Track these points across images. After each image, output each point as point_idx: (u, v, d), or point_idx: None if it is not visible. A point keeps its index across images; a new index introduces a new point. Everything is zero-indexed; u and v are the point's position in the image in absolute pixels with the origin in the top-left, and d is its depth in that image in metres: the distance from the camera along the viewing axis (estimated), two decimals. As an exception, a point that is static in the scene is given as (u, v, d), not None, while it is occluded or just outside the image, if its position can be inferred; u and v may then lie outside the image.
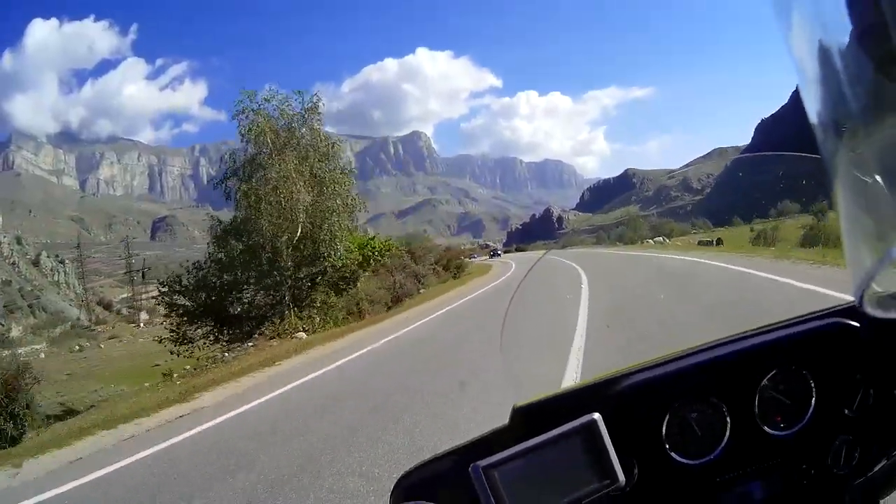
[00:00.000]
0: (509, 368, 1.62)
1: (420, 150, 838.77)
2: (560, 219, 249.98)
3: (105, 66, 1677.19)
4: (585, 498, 1.24)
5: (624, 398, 1.48)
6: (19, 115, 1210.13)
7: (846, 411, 1.51)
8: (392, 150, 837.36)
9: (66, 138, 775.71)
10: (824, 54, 0.63)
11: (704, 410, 1.48)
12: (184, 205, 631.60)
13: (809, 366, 1.52)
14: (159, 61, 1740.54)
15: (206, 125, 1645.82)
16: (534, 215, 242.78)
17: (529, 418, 1.45)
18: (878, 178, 0.63)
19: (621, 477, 1.24)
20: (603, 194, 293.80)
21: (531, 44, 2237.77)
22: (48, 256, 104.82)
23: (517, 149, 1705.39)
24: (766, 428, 1.49)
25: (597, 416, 1.27)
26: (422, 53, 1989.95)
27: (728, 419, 1.48)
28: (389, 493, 1.44)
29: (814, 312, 1.64)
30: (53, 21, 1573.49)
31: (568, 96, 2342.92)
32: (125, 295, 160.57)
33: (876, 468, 1.49)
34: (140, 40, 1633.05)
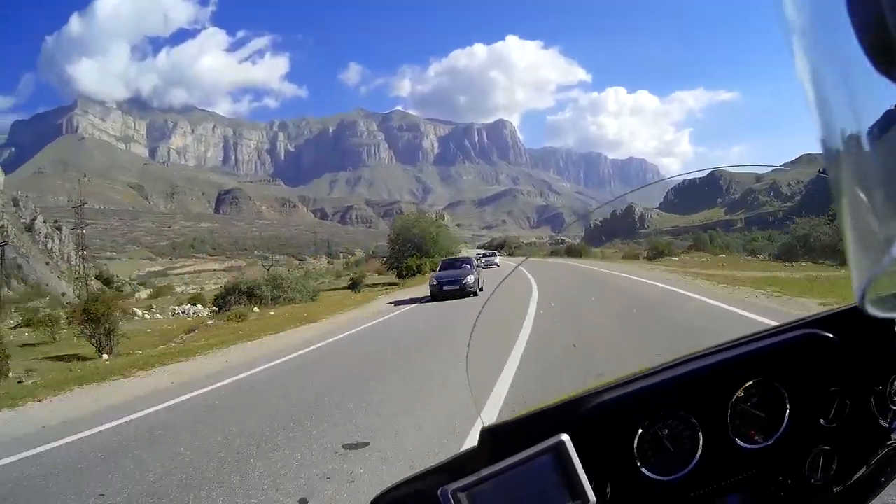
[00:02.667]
0: (476, 389, 1.62)
1: (505, 139, 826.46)
2: (643, 217, 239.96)
3: (182, 36, 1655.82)
4: None
5: (594, 417, 1.48)
6: (86, 80, 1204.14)
7: (822, 421, 1.53)
8: (476, 138, 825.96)
9: (136, 105, 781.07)
10: (825, 54, 0.65)
11: (676, 426, 1.48)
12: (258, 178, 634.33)
13: (782, 378, 1.54)
14: (240, 33, 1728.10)
15: (286, 100, 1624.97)
16: (615, 212, 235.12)
17: (498, 440, 1.45)
18: (881, 178, 0.64)
19: (592, 497, 1.25)
20: (688, 195, 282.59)
21: (621, 39, 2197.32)
22: (44, 222, 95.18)
23: (602, 145, 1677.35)
24: (739, 441, 1.50)
25: (565, 437, 1.29)
26: (511, 41, 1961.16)
27: (700, 434, 1.49)
28: None
29: (786, 324, 1.66)
30: None
31: (655, 96, 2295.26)
32: (156, 268, 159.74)
33: (855, 476, 1.51)
34: (220, 11, 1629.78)
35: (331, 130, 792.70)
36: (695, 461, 1.47)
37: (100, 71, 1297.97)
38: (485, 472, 1.24)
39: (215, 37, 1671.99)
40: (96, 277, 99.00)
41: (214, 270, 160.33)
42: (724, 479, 1.49)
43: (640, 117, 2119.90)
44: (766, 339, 1.60)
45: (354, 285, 48.08)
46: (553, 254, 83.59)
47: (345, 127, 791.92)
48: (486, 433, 1.47)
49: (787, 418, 1.52)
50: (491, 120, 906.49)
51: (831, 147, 0.65)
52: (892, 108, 0.63)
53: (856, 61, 0.58)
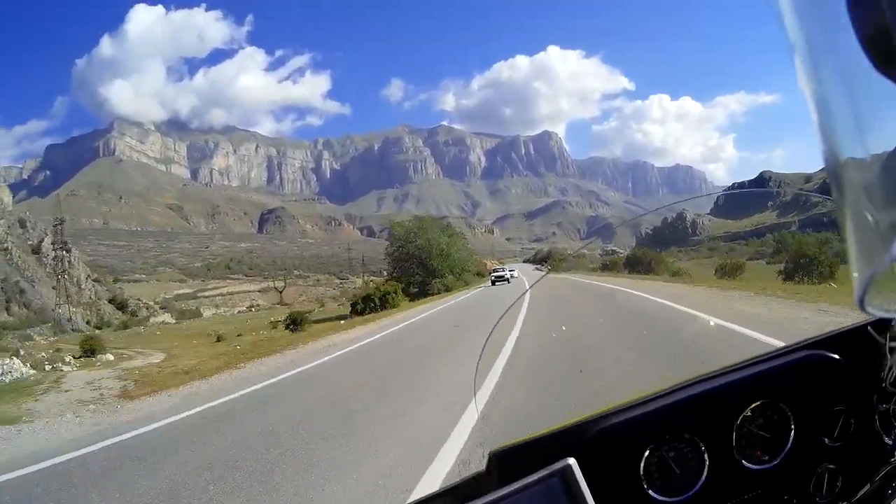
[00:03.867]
0: (484, 413, 1.66)
1: (551, 151, 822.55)
2: (694, 224, 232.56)
3: (218, 56, 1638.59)
4: None
5: (600, 441, 1.49)
6: (121, 102, 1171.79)
7: (826, 440, 1.53)
8: (522, 150, 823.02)
9: (175, 126, 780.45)
10: (825, 55, 0.65)
11: (681, 448, 1.49)
12: (303, 198, 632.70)
13: (787, 399, 1.54)
14: (279, 52, 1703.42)
15: (330, 118, 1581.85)
16: (665, 219, 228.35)
17: (505, 464, 1.46)
18: (881, 178, 0.63)
19: None
20: (738, 199, 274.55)
21: (661, 45, 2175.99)
22: (52, 244, 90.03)
23: (648, 153, 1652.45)
24: (744, 462, 1.50)
25: (571, 461, 1.28)
26: (553, 51, 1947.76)
27: (706, 455, 1.49)
28: None
29: (791, 345, 1.65)
30: (159, 8, 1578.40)
31: (698, 101, 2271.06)
32: (185, 290, 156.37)
33: (860, 493, 1.50)
34: (257, 31, 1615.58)
35: (376, 147, 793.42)
36: (700, 482, 1.47)
37: (135, 93, 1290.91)
38: (493, 495, 1.24)
39: (253, 56, 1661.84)
40: (110, 301, 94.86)
41: (248, 291, 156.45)
42: (730, 500, 1.49)
43: (684, 123, 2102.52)
44: (771, 360, 1.60)
45: (294, 323, 36.76)
46: (605, 269, 53.39)
47: (390, 143, 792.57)
48: (494, 457, 1.48)
49: (791, 438, 1.52)
50: (536, 132, 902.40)
51: (832, 147, 0.65)
52: (894, 110, 0.63)
53: (856, 62, 0.58)
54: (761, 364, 1.60)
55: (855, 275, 0.67)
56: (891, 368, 1.52)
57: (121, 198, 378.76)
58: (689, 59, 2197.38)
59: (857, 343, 1.58)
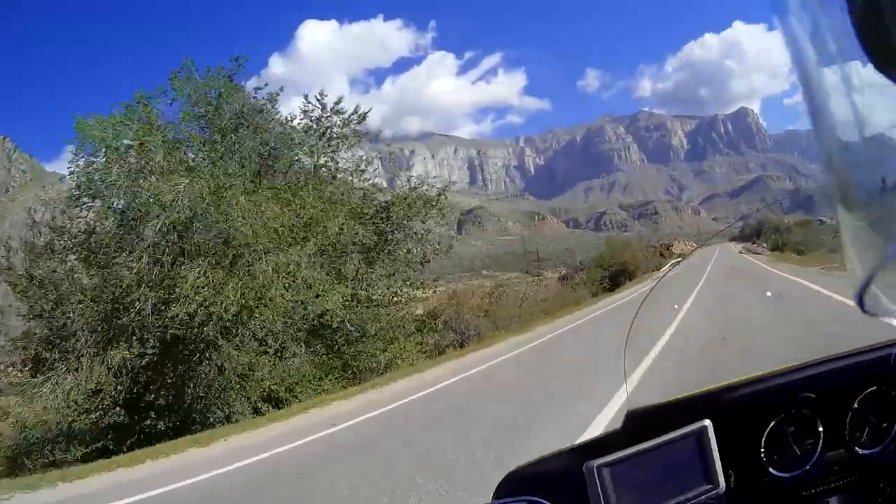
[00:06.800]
0: (627, 374, 1.69)
1: (749, 127, 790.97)
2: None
3: (405, 64, 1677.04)
4: (686, 502, 1.29)
5: (731, 408, 1.51)
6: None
7: None
8: (722, 129, 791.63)
9: (367, 138, 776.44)
10: (825, 54, 0.64)
11: (801, 425, 1.51)
12: (507, 195, 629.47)
13: None
14: (468, 54, 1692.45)
15: (530, 115, 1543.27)
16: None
17: (641, 423, 1.49)
18: (878, 177, 0.63)
19: (723, 484, 1.30)
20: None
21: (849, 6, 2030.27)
22: None
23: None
24: (853, 445, 1.51)
25: (708, 422, 1.33)
26: (738, 27, 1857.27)
27: (822, 434, 1.51)
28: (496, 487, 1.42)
29: None
30: (331, 23, 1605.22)
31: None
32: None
33: None
34: (441, 36, 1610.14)
35: (578, 139, 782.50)
36: (813, 461, 1.50)
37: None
38: (630, 450, 1.29)
39: (443, 61, 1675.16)
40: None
41: (426, 297, 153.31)
42: (835, 481, 1.51)
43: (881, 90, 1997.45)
44: (889, 348, 1.57)
45: None
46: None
47: (592, 134, 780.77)
48: (631, 416, 1.53)
49: None
50: (733, 110, 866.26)
51: (830, 146, 0.65)
52: (891, 109, 0.63)
53: (856, 61, 0.58)
54: (881, 350, 1.59)
55: (852, 275, 0.66)
56: None
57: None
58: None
59: None
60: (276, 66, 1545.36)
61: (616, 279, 51.43)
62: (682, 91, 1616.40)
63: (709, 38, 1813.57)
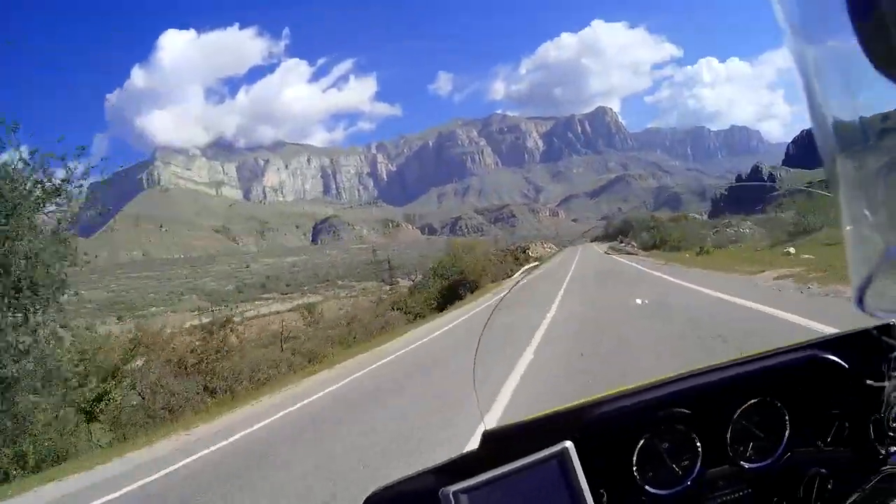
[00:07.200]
0: (479, 394, 1.63)
1: (608, 126, 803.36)
2: (772, 177, 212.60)
3: (258, 73, 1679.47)
4: None
5: (595, 427, 1.47)
6: (162, 131, 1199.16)
7: (820, 444, 1.52)
8: (579, 129, 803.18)
9: (222, 148, 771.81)
10: (825, 54, 0.64)
11: (676, 440, 1.48)
12: (360, 203, 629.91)
13: (784, 398, 1.52)
14: (320, 61, 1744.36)
15: (381, 121, 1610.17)
16: (739, 176, 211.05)
17: (500, 444, 1.44)
18: (879, 177, 0.63)
19: None
20: (810, 146, 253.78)
21: (703, 4, 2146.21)
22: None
23: (703, 118, 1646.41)
24: (737, 460, 1.50)
25: (569, 444, 1.26)
26: (597, 26, 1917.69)
27: (700, 450, 1.48)
28: None
29: (792, 345, 1.63)
30: (190, 32, 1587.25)
31: (745, 61, 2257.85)
32: (203, 320, 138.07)
33: (849, 500, 1.46)
34: (294, 43, 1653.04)
35: (430, 144, 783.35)
36: (692, 477, 1.47)
37: (175, 120, 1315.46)
38: (488, 474, 1.23)
39: (296, 68, 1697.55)
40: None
41: (279, 312, 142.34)
42: (720, 497, 1.48)
43: (735, 84, 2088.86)
44: (770, 358, 1.58)
45: None
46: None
47: (444, 138, 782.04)
48: (489, 437, 1.48)
49: (786, 439, 1.51)
50: (591, 109, 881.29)
51: (830, 146, 0.64)
52: (891, 107, 0.63)
53: (856, 61, 0.57)
54: (761, 361, 1.57)
55: (853, 275, 0.66)
56: (892, 375, 1.48)
57: (161, 226, 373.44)
58: (734, 19, 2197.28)
59: (860, 347, 1.54)
60: (138, 78, 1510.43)
61: (455, 290, 43.59)
62: (538, 92, 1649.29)
63: (566, 37, 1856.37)
